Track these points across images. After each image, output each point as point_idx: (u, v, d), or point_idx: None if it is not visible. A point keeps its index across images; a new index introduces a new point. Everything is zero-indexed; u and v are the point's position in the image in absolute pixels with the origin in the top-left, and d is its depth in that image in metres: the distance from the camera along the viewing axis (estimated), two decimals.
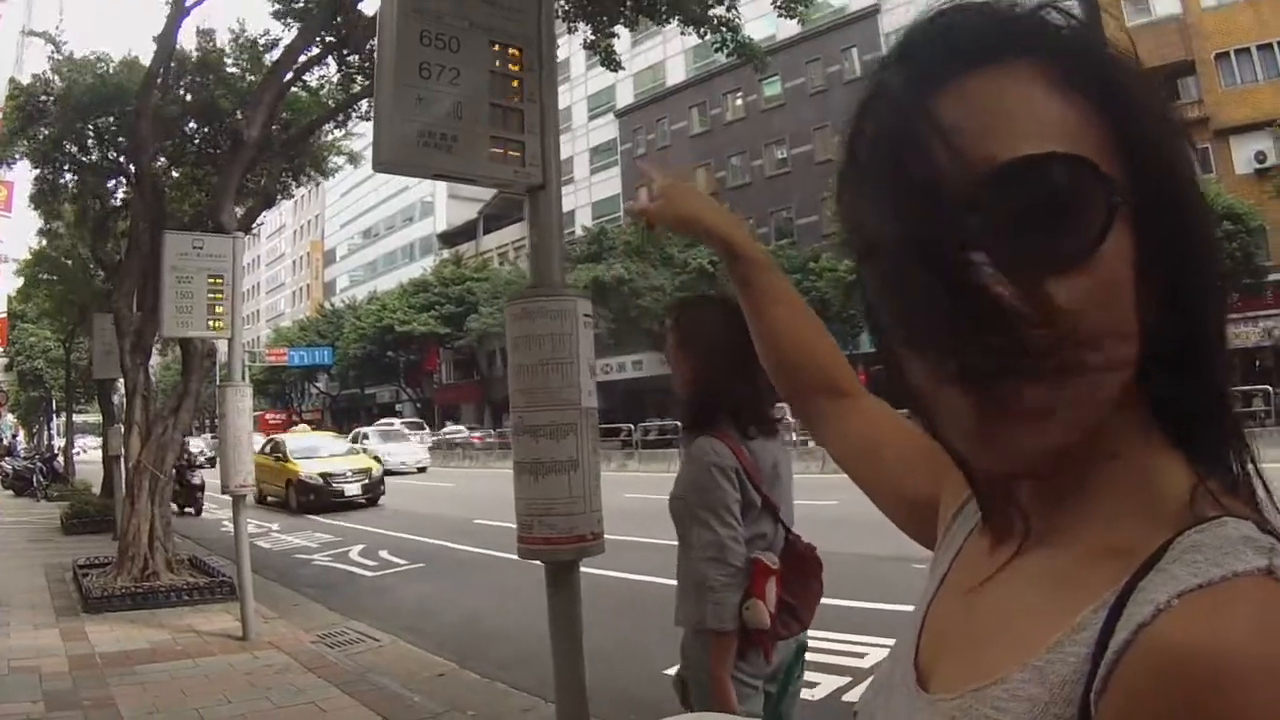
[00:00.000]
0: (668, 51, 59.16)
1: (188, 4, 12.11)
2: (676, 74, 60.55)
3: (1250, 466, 0.76)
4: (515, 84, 3.24)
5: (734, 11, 14.39)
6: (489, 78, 3.17)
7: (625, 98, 62.81)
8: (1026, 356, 0.69)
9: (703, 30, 14.41)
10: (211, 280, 9.34)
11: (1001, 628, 0.78)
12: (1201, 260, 0.75)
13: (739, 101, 55.82)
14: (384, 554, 15.63)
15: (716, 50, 15.54)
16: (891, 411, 1.31)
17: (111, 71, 17.46)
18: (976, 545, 0.93)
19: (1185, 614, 0.60)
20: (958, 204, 0.70)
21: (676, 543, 3.17)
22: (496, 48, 3.21)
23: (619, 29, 14.86)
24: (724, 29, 14.34)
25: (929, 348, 0.74)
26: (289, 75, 12.30)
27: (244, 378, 9.68)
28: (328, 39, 13.61)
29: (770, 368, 1.48)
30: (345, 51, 14.68)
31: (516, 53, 3.25)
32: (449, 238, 78.32)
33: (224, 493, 9.32)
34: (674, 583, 3.20)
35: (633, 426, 37.98)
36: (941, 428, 0.79)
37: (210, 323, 9.37)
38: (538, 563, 3.20)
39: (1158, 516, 0.71)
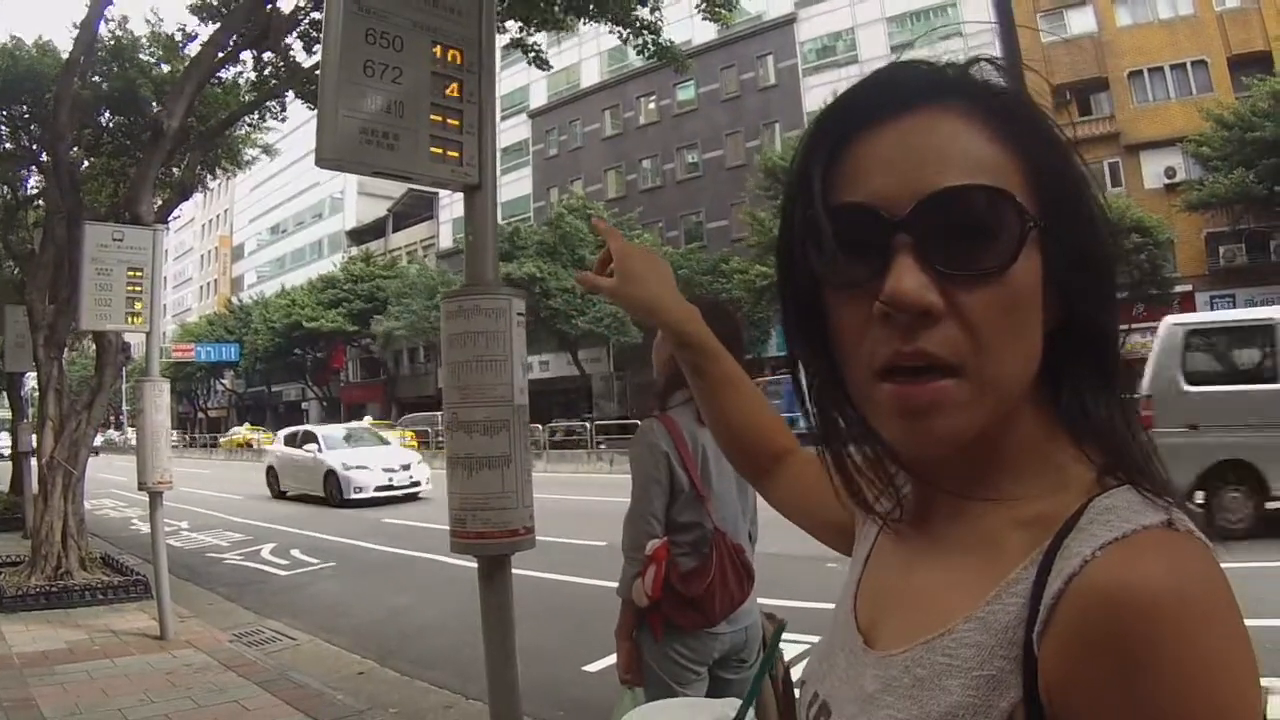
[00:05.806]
0: (583, 54, 58.92)
1: None
2: (591, 76, 60.49)
3: (1148, 451, 0.89)
4: (456, 85, 3.27)
5: (658, 14, 14.49)
6: (430, 78, 3.21)
7: (539, 98, 62.61)
8: (942, 354, 0.83)
9: (625, 33, 14.50)
10: (131, 273, 9.12)
11: (940, 590, 0.91)
12: (1098, 276, 0.89)
13: (652, 105, 56.13)
14: (295, 553, 15.42)
15: (639, 53, 15.58)
16: (812, 458, 1.44)
17: (24, 55, 16.97)
18: (895, 531, 1.06)
19: (1108, 562, 0.74)
20: (893, 223, 0.84)
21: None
22: (438, 49, 3.22)
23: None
24: (646, 32, 14.45)
25: (864, 349, 0.87)
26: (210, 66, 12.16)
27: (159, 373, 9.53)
28: (244, 33, 13.44)
29: (724, 446, 1.62)
30: (262, 47, 14.51)
31: (458, 54, 3.27)
32: (358, 235, 77.40)
33: (140, 489, 9.16)
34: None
35: (540, 427, 37.73)
36: (874, 421, 0.92)
37: (129, 316, 9.17)
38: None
39: (1070, 490, 0.85)
